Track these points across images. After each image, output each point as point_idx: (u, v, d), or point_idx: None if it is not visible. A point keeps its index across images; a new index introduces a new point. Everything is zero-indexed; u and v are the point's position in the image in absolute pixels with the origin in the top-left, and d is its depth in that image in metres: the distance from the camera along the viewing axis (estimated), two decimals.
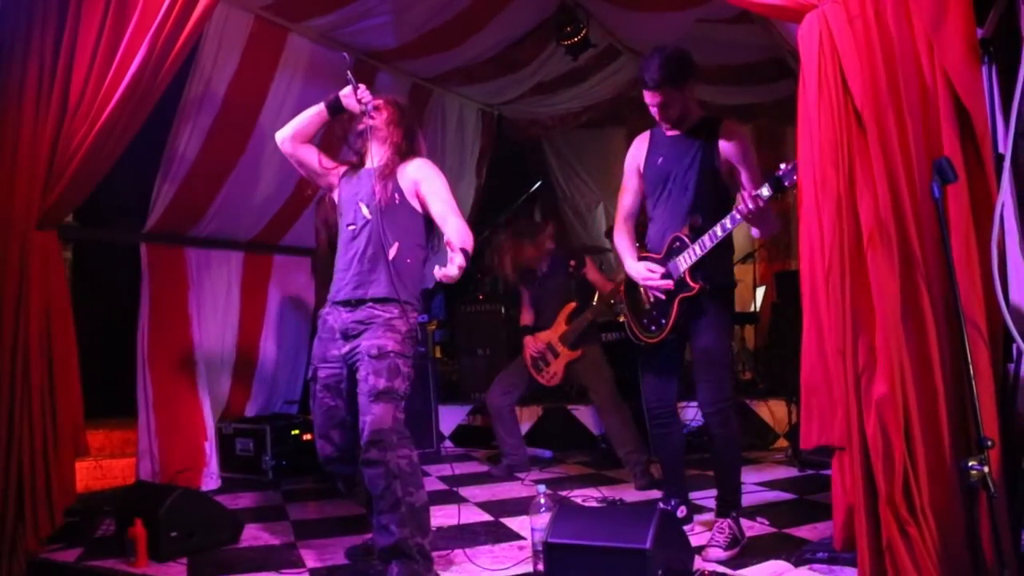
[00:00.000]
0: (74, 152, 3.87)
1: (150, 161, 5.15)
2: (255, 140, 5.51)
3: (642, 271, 3.67)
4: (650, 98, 3.57)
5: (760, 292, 7.69)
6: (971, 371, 2.35)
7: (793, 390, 5.41)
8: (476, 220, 7.63)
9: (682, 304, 3.58)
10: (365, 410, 3.19)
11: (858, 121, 2.69)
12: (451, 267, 3.01)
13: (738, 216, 3.33)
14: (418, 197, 3.44)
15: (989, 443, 2.26)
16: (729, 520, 3.52)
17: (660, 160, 3.70)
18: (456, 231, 3.24)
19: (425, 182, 3.43)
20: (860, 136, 2.68)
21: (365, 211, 3.40)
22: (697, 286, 3.52)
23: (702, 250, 3.47)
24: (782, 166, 3.19)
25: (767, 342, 7.31)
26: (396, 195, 3.39)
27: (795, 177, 3.14)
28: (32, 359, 3.84)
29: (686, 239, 3.54)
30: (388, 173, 3.42)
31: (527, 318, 5.62)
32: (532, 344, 5.46)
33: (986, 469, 2.20)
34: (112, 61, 3.81)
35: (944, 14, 2.61)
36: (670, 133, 3.69)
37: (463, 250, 3.09)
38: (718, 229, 3.41)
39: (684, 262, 3.53)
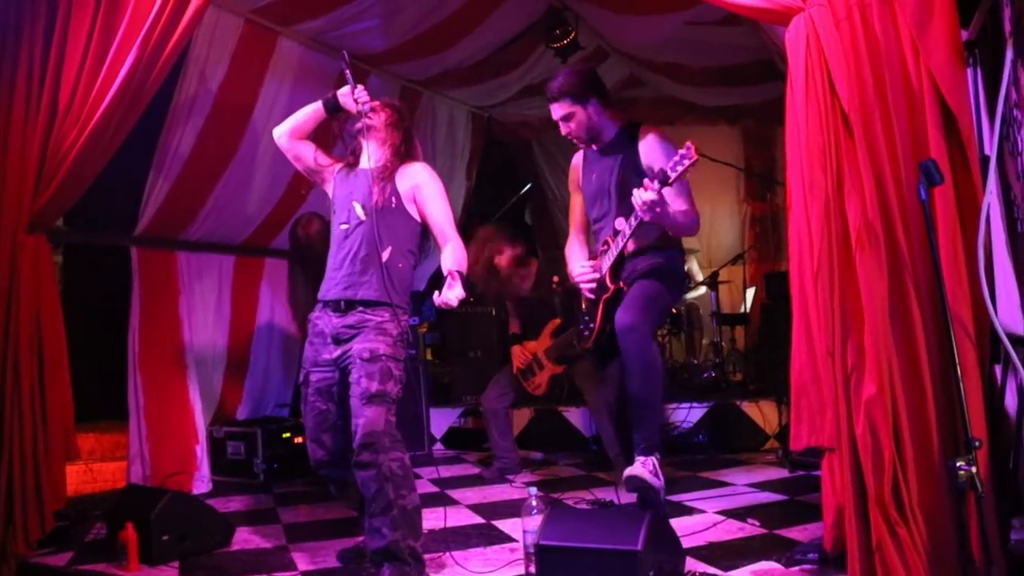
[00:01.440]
0: (64, 155, 3.86)
1: (140, 164, 5.14)
2: (246, 143, 5.51)
3: (575, 268, 3.77)
4: (553, 111, 3.66)
5: (750, 293, 7.71)
6: (959, 371, 2.37)
7: (784, 391, 5.43)
8: (466, 223, 7.64)
9: (607, 306, 3.61)
10: (357, 413, 3.19)
11: (845, 123, 2.71)
12: (450, 295, 3.11)
13: (639, 213, 3.31)
14: (415, 202, 3.45)
15: (977, 443, 2.28)
16: (652, 458, 3.46)
17: (594, 176, 3.77)
18: (453, 252, 3.33)
19: (424, 188, 3.45)
20: (847, 138, 2.71)
21: (360, 211, 3.40)
22: (613, 287, 3.57)
23: (616, 249, 3.53)
24: (673, 157, 3.20)
25: (757, 343, 7.33)
26: (393, 198, 3.40)
27: (681, 168, 3.16)
28: (22, 362, 3.84)
29: (610, 241, 3.61)
30: (386, 175, 3.42)
31: (515, 326, 5.67)
32: (520, 354, 5.52)
33: (974, 469, 2.22)
34: (102, 64, 3.81)
35: (929, 17, 2.63)
36: (597, 147, 3.75)
37: (460, 273, 3.19)
38: (626, 228, 3.46)
39: (605, 263, 3.59)
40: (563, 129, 3.69)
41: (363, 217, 3.39)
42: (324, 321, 3.43)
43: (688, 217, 3.50)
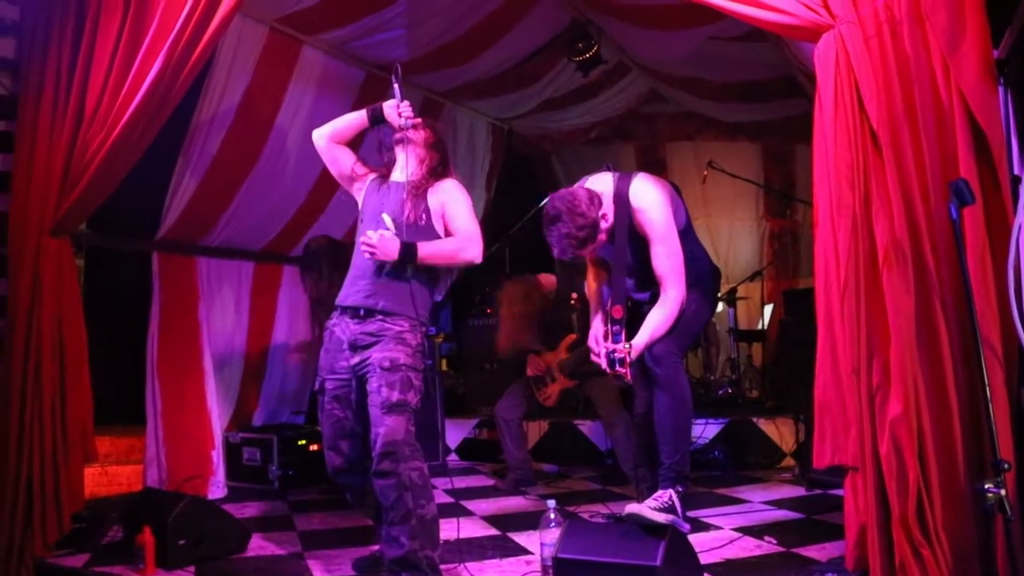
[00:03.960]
0: (89, 160, 3.89)
1: (163, 170, 5.17)
2: (268, 151, 5.54)
3: (591, 338, 3.76)
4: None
5: (768, 310, 7.69)
6: (988, 393, 2.35)
7: (800, 408, 5.40)
8: (485, 234, 7.65)
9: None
10: (378, 422, 3.19)
11: (874, 141, 2.70)
12: (378, 235, 3.24)
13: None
14: (443, 218, 3.46)
15: (1006, 465, 2.26)
16: (672, 491, 3.43)
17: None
18: (460, 234, 3.39)
19: (450, 204, 3.46)
20: (876, 156, 2.70)
21: (389, 223, 3.38)
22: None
23: (622, 343, 3.42)
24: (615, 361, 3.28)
25: (774, 360, 7.30)
26: (424, 215, 3.41)
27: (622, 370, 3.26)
28: (44, 364, 3.86)
29: (608, 328, 3.55)
30: (420, 192, 3.43)
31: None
32: (534, 364, 5.53)
33: (1003, 492, 2.20)
34: (129, 71, 3.83)
35: (961, 35, 2.63)
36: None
37: (409, 246, 3.26)
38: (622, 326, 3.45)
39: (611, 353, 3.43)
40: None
41: (392, 229, 3.38)
42: (341, 328, 3.42)
43: (668, 321, 3.52)
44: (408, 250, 3.27)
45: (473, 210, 3.54)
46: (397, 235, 3.35)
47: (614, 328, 3.40)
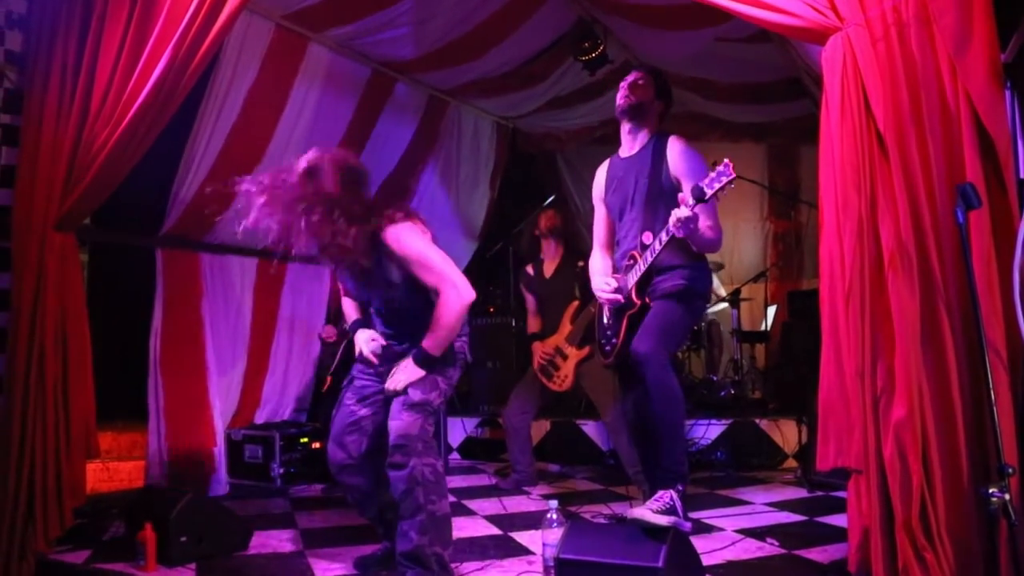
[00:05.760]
0: (95, 155, 3.89)
1: (168, 166, 5.17)
2: (273, 147, 5.53)
3: (599, 283, 3.76)
4: (632, 75, 3.77)
5: (771, 311, 7.68)
6: (992, 396, 2.34)
7: (803, 410, 5.39)
8: (489, 233, 7.68)
9: (631, 321, 3.60)
10: (395, 415, 3.22)
11: (880, 144, 2.69)
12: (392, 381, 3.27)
13: (671, 229, 3.30)
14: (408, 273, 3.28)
15: (1010, 470, 2.25)
16: (671, 491, 3.39)
17: (616, 185, 3.81)
18: (443, 306, 3.21)
19: (411, 260, 3.22)
20: (882, 159, 2.69)
21: (378, 303, 3.47)
22: (639, 302, 3.57)
23: (644, 265, 3.52)
24: (709, 175, 3.20)
25: (777, 361, 7.29)
26: (394, 280, 3.31)
27: (718, 185, 3.16)
28: (47, 359, 3.87)
29: (637, 256, 3.60)
30: (368, 262, 3.23)
31: (534, 325, 5.59)
32: (540, 349, 5.44)
33: (1007, 496, 2.19)
34: (135, 67, 3.84)
35: (968, 38, 2.62)
36: (624, 156, 3.81)
37: (426, 355, 3.22)
38: (656, 243, 3.46)
39: (632, 278, 3.59)
40: (622, 94, 3.74)
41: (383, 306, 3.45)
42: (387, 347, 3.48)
43: (715, 232, 3.52)
44: (425, 359, 3.23)
45: (428, 242, 3.28)
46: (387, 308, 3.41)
47: (643, 252, 3.52)
